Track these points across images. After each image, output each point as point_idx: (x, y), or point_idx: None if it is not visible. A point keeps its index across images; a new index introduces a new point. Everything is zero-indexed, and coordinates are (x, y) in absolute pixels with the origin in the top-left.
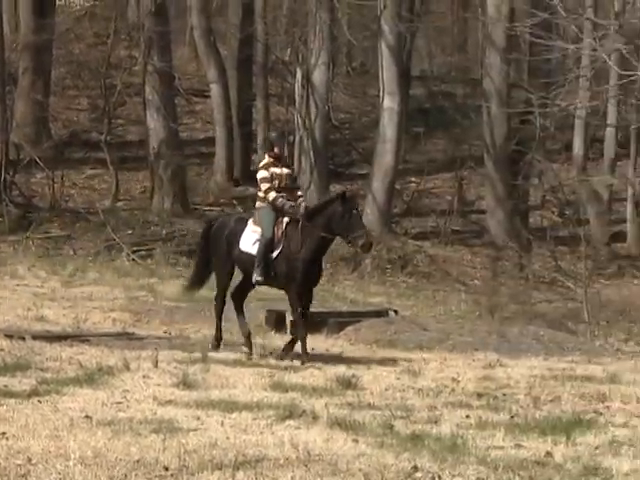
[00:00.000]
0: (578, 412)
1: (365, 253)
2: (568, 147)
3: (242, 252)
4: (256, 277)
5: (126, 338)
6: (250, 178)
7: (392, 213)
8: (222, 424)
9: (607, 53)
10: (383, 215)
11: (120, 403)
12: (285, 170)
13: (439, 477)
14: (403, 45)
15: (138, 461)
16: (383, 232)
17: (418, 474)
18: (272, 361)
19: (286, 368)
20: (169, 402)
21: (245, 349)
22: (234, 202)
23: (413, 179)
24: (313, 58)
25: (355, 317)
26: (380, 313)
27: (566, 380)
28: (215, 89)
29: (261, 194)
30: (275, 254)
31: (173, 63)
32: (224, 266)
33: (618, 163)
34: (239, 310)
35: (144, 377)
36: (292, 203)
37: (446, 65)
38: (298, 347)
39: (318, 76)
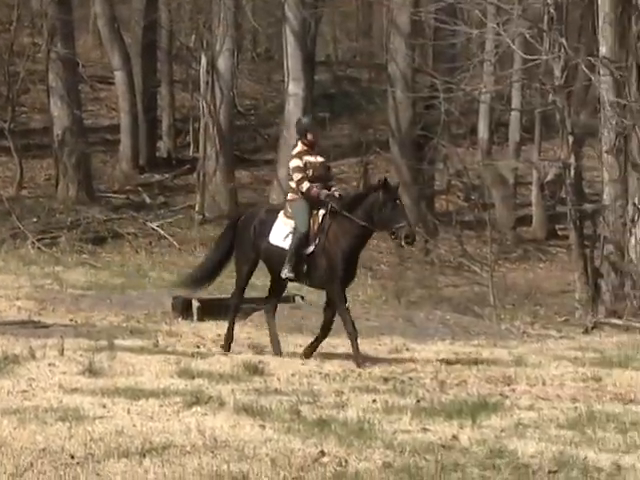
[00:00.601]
0: (484, 395)
1: (409, 246)
2: (473, 131)
3: (271, 245)
4: (286, 273)
5: (32, 326)
6: (156, 165)
7: None
8: (128, 411)
9: (511, 38)
10: None
11: (26, 392)
12: (319, 158)
13: (346, 462)
14: (307, 31)
15: (44, 449)
16: None
17: (325, 459)
18: (179, 348)
19: (193, 355)
20: (75, 390)
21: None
22: (139, 189)
23: None
24: (218, 44)
25: (262, 303)
26: (287, 299)
27: (472, 364)
28: (119, 76)
29: (293, 184)
30: (310, 250)
31: (77, 50)
32: (246, 261)
33: (523, 147)
34: (272, 322)
35: (50, 365)
36: (328, 192)
37: (351, 50)
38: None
39: (223, 62)
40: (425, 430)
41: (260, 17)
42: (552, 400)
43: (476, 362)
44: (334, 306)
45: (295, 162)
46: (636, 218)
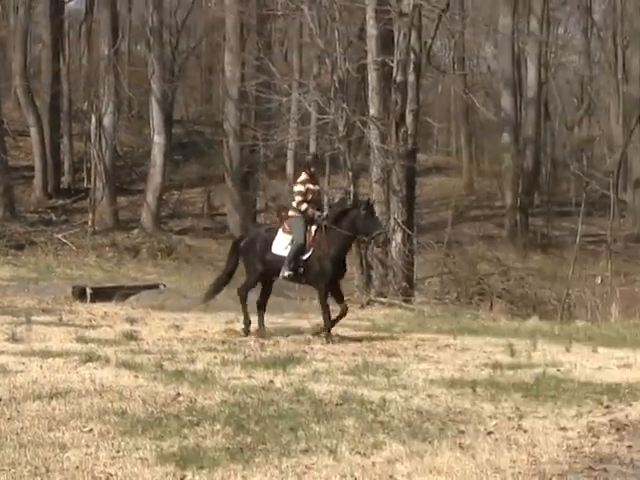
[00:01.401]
0: (291, 352)
1: (384, 247)
2: (283, 168)
3: (274, 255)
4: (286, 272)
5: None
6: (60, 193)
7: (161, 216)
8: (41, 367)
9: (308, 103)
10: (155, 218)
11: None
12: (317, 187)
13: (195, 400)
14: (167, 98)
15: None
16: (155, 230)
17: (180, 398)
18: (77, 322)
19: (86, 327)
20: (2, 352)
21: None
22: (48, 210)
23: (175, 192)
24: (103, 107)
25: (136, 289)
26: (153, 286)
27: (284, 330)
28: (33, 131)
29: (294, 204)
30: (306, 256)
31: (2, 112)
32: (254, 271)
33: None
34: (261, 315)
35: None
36: (319, 213)
37: (198, 112)
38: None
39: (107, 120)
40: (250, 377)
41: (133, 88)
42: (339, 355)
43: (286, 329)
44: (340, 296)
45: (299, 187)
46: (395, 229)
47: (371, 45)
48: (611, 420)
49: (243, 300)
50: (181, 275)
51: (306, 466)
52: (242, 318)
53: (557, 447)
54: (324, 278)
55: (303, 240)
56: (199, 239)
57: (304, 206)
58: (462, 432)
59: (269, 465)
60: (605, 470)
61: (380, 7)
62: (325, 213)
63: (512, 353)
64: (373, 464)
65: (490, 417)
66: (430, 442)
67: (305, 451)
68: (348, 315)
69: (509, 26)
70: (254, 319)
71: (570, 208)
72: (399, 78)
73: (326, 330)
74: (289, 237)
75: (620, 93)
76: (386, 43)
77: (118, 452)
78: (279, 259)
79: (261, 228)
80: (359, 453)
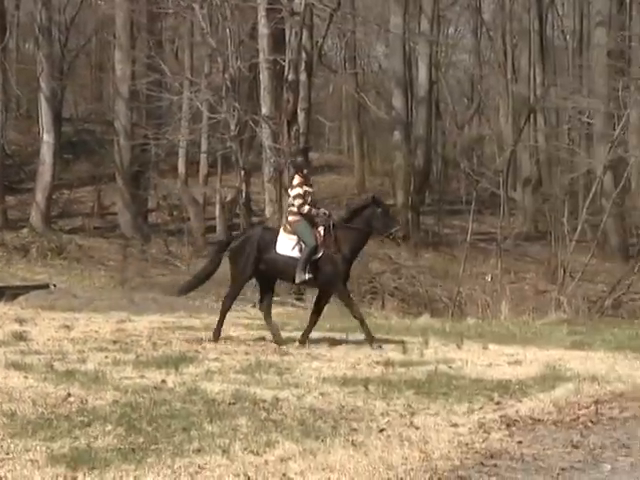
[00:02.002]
0: (184, 351)
1: (401, 243)
2: (175, 167)
3: (279, 255)
4: (305, 276)
5: None
6: None
7: (51, 215)
8: None
9: (200, 102)
10: (44, 217)
11: None
12: (311, 188)
13: (86, 400)
14: (56, 96)
15: None
16: (45, 229)
17: (71, 399)
18: None
19: None
20: None
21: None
22: None
23: (65, 191)
24: None
25: (25, 289)
26: (43, 286)
27: (175, 329)
28: None
29: (294, 209)
30: (318, 257)
31: None
32: (245, 272)
33: (209, 178)
34: (269, 319)
35: None
36: (323, 210)
37: (88, 110)
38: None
39: None
40: (142, 377)
41: (22, 86)
42: (231, 354)
43: (178, 328)
44: (324, 301)
45: (297, 191)
46: None
47: (263, 44)
48: (501, 416)
49: (225, 311)
50: (71, 275)
51: (199, 466)
52: (131, 317)
53: (448, 443)
54: (339, 279)
55: (315, 242)
56: (89, 238)
57: (306, 208)
58: (355, 430)
59: (162, 465)
60: (496, 465)
61: (271, 6)
62: (325, 211)
63: (404, 351)
64: (266, 463)
65: (382, 414)
66: (323, 440)
67: (198, 451)
68: (241, 314)
69: (400, 25)
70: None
71: (461, 206)
72: (291, 77)
73: (366, 331)
74: (293, 237)
75: (509, 92)
76: (278, 42)
77: (7, 454)
78: (285, 259)
79: (257, 228)
80: (252, 452)
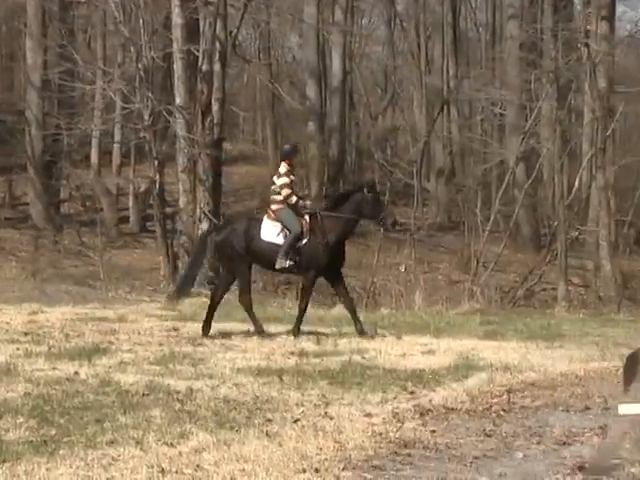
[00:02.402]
0: (97, 342)
1: (393, 229)
2: (88, 157)
3: (264, 242)
4: (283, 263)
5: None
6: None
7: None
8: None
9: (113, 92)
10: None
11: None
12: (294, 177)
13: None
14: None
15: None
16: None
17: None
18: None
19: None
20: None
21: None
22: None
23: None
24: None
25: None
26: None
27: (89, 321)
28: None
29: (280, 197)
30: (302, 244)
31: None
32: (244, 261)
33: (123, 168)
34: (213, 309)
35: None
36: (309, 202)
37: None
38: None
39: None
40: (54, 368)
41: None
42: (145, 345)
43: (91, 319)
44: (341, 285)
45: (284, 180)
46: (202, 218)
47: (176, 34)
48: (415, 405)
49: (250, 308)
50: None
51: (112, 458)
52: (43, 309)
53: (362, 433)
54: (316, 266)
55: (300, 228)
56: (0, 229)
57: (294, 198)
58: (269, 420)
59: (74, 457)
60: (409, 455)
61: None
62: (308, 201)
63: (318, 341)
64: (180, 454)
65: (297, 405)
66: (237, 431)
67: (111, 442)
68: (154, 305)
69: (314, 16)
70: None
71: None
72: (205, 67)
73: (298, 323)
74: (277, 224)
75: (423, 83)
76: (192, 32)
77: None
78: (271, 246)
79: (241, 219)
80: (166, 443)
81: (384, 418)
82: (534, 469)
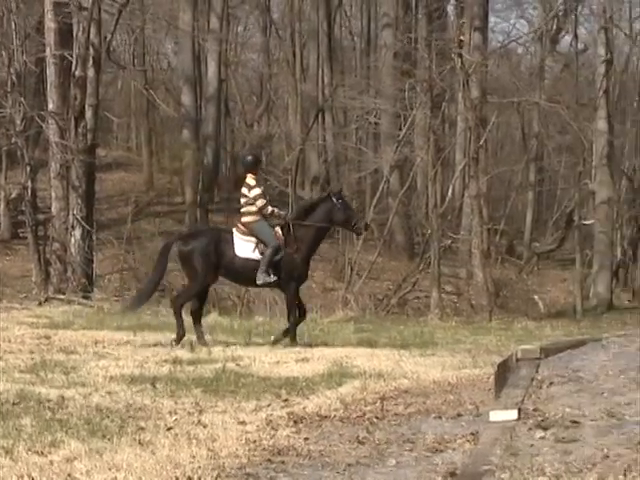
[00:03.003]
0: None
1: (366, 232)
2: None
3: (240, 258)
4: (266, 278)
5: None
6: None
7: None
8: None
9: None
10: None
11: None
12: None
13: None
14: None
15: None
16: None
17: None
18: None
19: None
20: None
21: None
22: None
23: None
24: None
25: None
26: None
27: None
28: None
29: (254, 209)
30: (279, 257)
31: None
32: (205, 277)
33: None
34: (198, 322)
35: None
36: (284, 212)
37: None
38: None
39: None
40: None
41: None
42: (16, 353)
43: None
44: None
45: (256, 191)
46: (75, 225)
47: (49, 38)
48: (289, 413)
49: (179, 311)
50: None
51: None
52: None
53: (236, 441)
54: (296, 277)
55: (277, 241)
56: None
57: (270, 209)
58: (142, 428)
59: None
60: (283, 462)
61: (59, 0)
62: (281, 211)
63: (192, 349)
64: (51, 463)
65: (170, 413)
66: (109, 439)
67: None
68: (25, 313)
69: (189, 23)
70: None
71: None
72: (78, 72)
73: (293, 333)
74: (251, 239)
75: (298, 91)
76: (65, 37)
77: None
78: (248, 263)
79: (207, 231)
80: (37, 452)
81: (258, 426)
82: (406, 476)
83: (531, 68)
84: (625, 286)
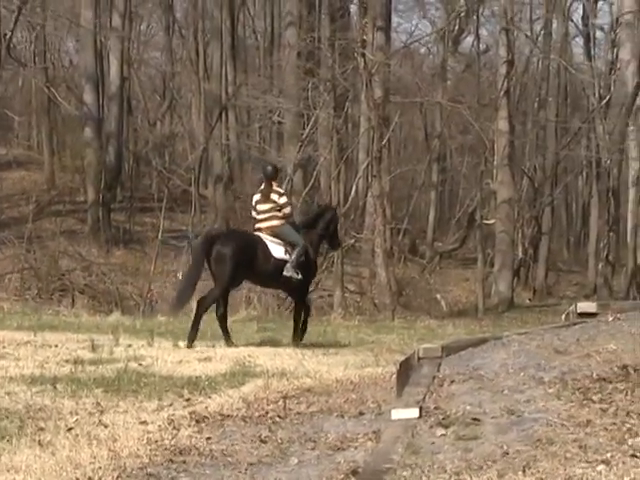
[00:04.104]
0: None
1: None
2: None
3: (275, 259)
4: (293, 274)
5: None
6: None
7: None
8: None
9: None
10: None
11: None
12: None
13: None
14: None
15: None
16: None
17: None
18: None
19: None
20: None
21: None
22: None
23: None
24: None
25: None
26: None
27: None
28: None
29: (281, 214)
30: (303, 258)
31: None
32: (238, 277)
33: None
34: (225, 325)
35: None
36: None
37: None
38: None
39: None
40: None
41: None
42: None
43: None
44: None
45: (285, 199)
46: None
47: None
48: (191, 413)
49: (202, 313)
50: None
51: None
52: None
53: (138, 441)
54: (310, 280)
55: (304, 242)
56: None
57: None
58: (42, 429)
59: None
60: (184, 462)
61: None
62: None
63: (94, 349)
64: None
65: (71, 413)
66: (8, 440)
67: None
68: None
69: (91, 20)
70: None
71: (152, 204)
72: None
73: (301, 332)
74: (280, 241)
75: (201, 90)
76: None
77: None
78: (280, 264)
79: (244, 233)
80: None
81: (160, 425)
82: (309, 474)
83: (433, 68)
84: (526, 285)
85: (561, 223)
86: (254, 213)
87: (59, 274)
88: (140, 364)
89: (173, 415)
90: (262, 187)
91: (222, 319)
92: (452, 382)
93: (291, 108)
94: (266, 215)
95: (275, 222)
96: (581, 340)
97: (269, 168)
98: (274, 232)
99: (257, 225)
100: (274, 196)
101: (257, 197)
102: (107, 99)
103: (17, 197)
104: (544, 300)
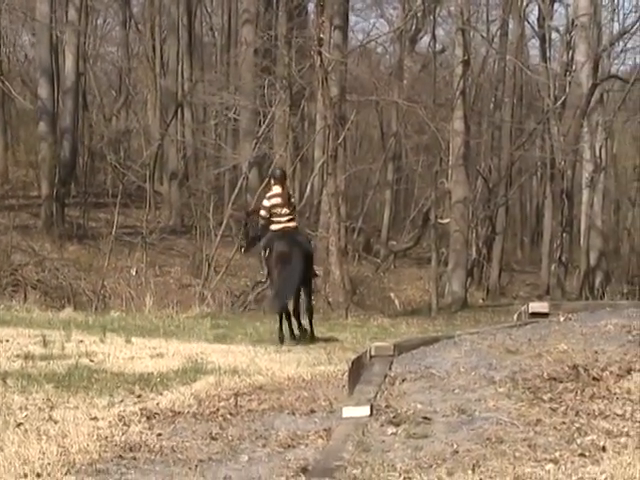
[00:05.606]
0: None
1: None
2: None
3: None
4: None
5: None
6: None
7: None
8: None
9: None
10: None
11: None
12: None
13: None
14: None
15: None
16: None
17: None
18: None
19: None
20: None
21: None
22: None
23: None
24: None
25: None
26: None
27: None
28: None
29: (292, 216)
30: None
31: None
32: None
33: None
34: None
35: None
36: None
37: None
38: None
39: None
40: None
41: None
42: None
43: None
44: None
45: (293, 200)
46: None
47: None
48: (142, 409)
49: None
50: None
51: None
52: None
53: (88, 437)
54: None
55: None
56: None
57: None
58: None
59: None
60: (134, 458)
61: None
62: None
63: (45, 344)
64: None
65: (20, 408)
66: None
67: None
68: None
69: (47, 14)
70: None
71: (107, 199)
72: None
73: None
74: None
75: (157, 86)
76: None
77: None
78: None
79: (300, 233)
80: None
81: (110, 422)
82: (259, 472)
83: (390, 67)
84: (479, 285)
85: (515, 223)
86: (264, 212)
87: (11, 269)
88: (92, 360)
89: (124, 411)
90: (274, 191)
91: (295, 314)
92: (404, 381)
93: (247, 105)
94: (289, 217)
95: (295, 223)
96: (532, 340)
97: (278, 171)
98: (297, 231)
99: (282, 226)
100: (292, 199)
101: (276, 201)
102: (62, 94)
103: None
104: (497, 300)
